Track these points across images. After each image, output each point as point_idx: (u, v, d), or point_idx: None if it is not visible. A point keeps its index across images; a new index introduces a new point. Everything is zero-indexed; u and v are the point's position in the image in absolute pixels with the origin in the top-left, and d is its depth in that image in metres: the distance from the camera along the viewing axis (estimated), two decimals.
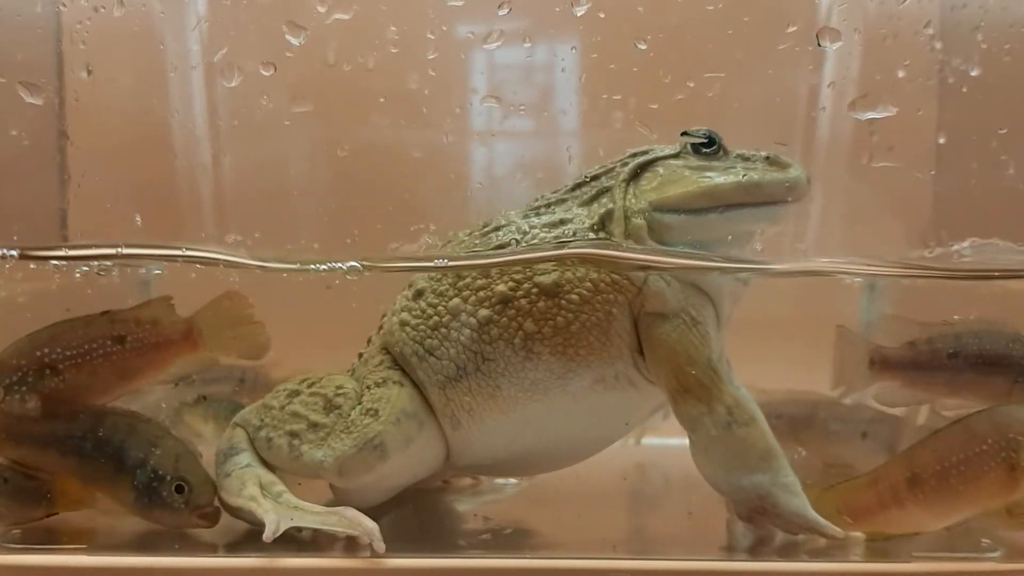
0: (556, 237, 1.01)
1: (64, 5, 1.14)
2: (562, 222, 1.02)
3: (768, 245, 1.09)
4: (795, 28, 1.09)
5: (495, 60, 1.15)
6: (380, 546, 0.94)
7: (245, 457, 1.04)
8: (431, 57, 1.11)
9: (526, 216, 1.05)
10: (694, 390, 0.96)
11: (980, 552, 0.96)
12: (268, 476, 1.02)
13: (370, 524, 0.95)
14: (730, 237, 1.02)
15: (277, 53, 1.09)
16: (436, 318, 1.03)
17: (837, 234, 1.21)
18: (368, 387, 1.04)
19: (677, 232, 1.00)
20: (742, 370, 1.06)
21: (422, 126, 1.17)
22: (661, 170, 1.02)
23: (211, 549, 1.00)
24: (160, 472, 0.99)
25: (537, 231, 1.02)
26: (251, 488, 1.00)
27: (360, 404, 1.03)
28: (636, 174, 1.03)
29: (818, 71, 1.13)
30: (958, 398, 1.09)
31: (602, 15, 1.08)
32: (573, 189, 1.05)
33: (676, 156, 1.03)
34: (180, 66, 1.17)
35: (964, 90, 1.06)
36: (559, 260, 1.00)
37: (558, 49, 1.15)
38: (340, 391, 1.04)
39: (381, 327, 1.10)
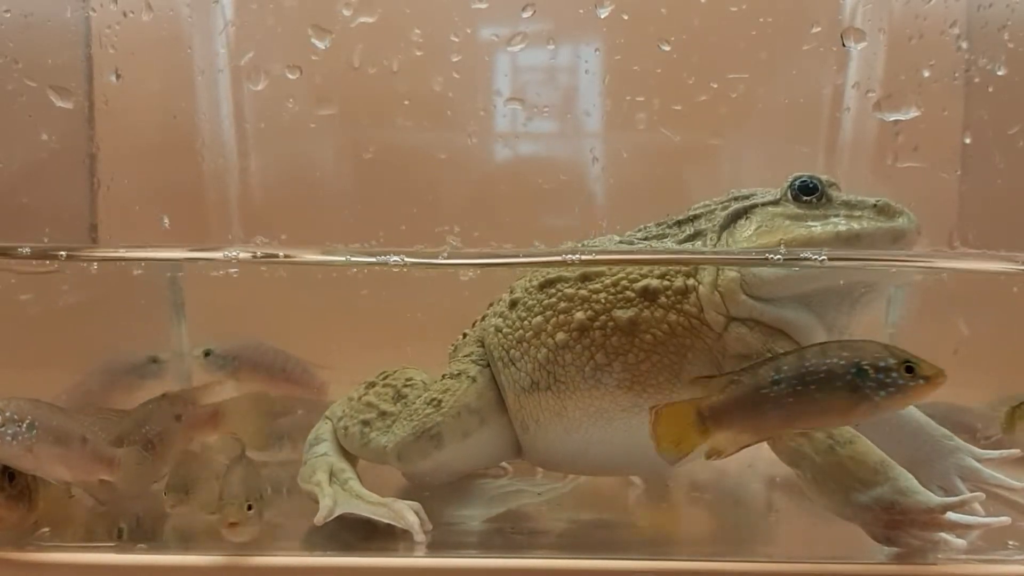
0: (644, 275, 1.00)
1: (94, 10, 1.16)
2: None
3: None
4: (819, 29, 1.09)
5: (519, 62, 1.15)
6: (420, 538, 0.97)
7: (323, 447, 1.11)
8: (455, 59, 1.12)
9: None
10: None
11: (1007, 554, 0.95)
12: (340, 464, 1.08)
13: (412, 518, 0.98)
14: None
15: (303, 56, 1.10)
16: (521, 331, 1.05)
17: None
18: (442, 376, 1.09)
19: (772, 287, 0.96)
20: None
21: (446, 128, 1.18)
22: (757, 218, 0.98)
23: (223, 548, 1.00)
24: None
25: (630, 269, 1.01)
26: (320, 475, 1.05)
27: (428, 392, 1.07)
28: (733, 221, 0.99)
29: (842, 71, 1.13)
30: (793, 427, 0.93)
31: (626, 17, 1.08)
32: (673, 225, 1.03)
33: (776, 203, 0.98)
34: (207, 70, 1.18)
35: (990, 90, 1.05)
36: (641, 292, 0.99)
37: (582, 51, 1.15)
38: (409, 382, 1.11)
39: (475, 323, 1.14)
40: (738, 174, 1.20)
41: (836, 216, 0.96)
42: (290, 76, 1.11)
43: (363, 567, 0.93)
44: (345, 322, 1.33)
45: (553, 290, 1.04)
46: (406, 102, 1.16)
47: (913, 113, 1.06)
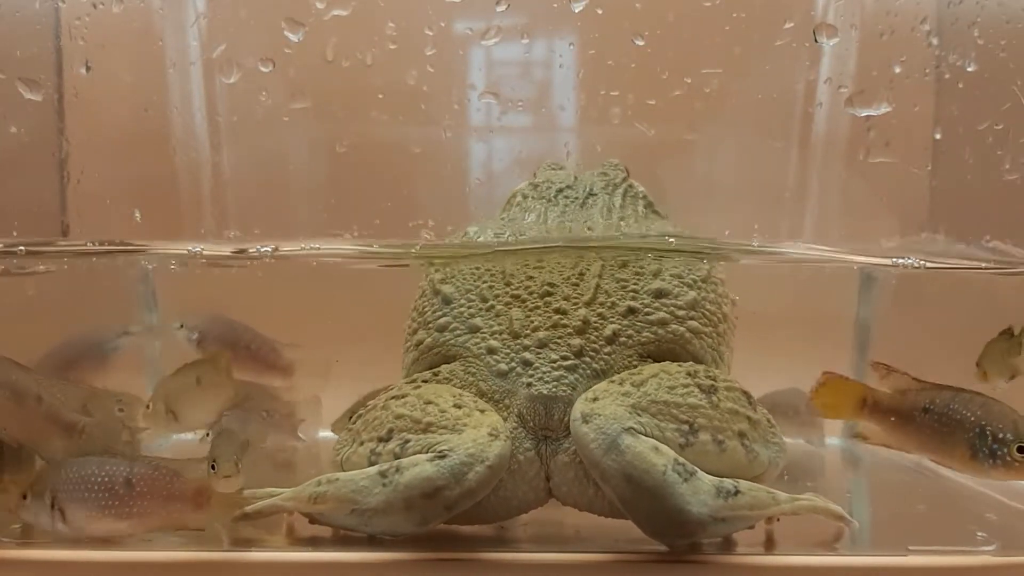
0: None
1: (63, 1, 1.14)
2: None
3: (765, 241, 1.10)
4: (792, 24, 1.10)
5: (493, 56, 1.15)
6: None
7: None
8: (429, 53, 1.11)
9: None
10: None
11: (975, 545, 0.96)
12: None
13: None
14: None
15: (276, 49, 1.09)
16: (724, 325, 1.07)
17: (834, 229, 1.22)
18: None
19: None
20: (742, 363, 1.07)
21: (421, 122, 1.17)
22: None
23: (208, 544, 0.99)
24: None
25: None
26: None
27: None
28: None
29: (815, 67, 1.14)
30: (926, 454, 1.02)
31: (600, 11, 1.09)
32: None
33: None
34: (179, 62, 1.17)
35: (960, 86, 1.06)
36: None
37: (556, 45, 1.15)
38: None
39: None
40: (712, 168, 1.20)
41: None
42: (263, 69, 1.10)
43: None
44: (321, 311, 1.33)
45: (708, 283, 1.05)
46: (380, 96, 1.15)
47: (884, 109, 1.06)
